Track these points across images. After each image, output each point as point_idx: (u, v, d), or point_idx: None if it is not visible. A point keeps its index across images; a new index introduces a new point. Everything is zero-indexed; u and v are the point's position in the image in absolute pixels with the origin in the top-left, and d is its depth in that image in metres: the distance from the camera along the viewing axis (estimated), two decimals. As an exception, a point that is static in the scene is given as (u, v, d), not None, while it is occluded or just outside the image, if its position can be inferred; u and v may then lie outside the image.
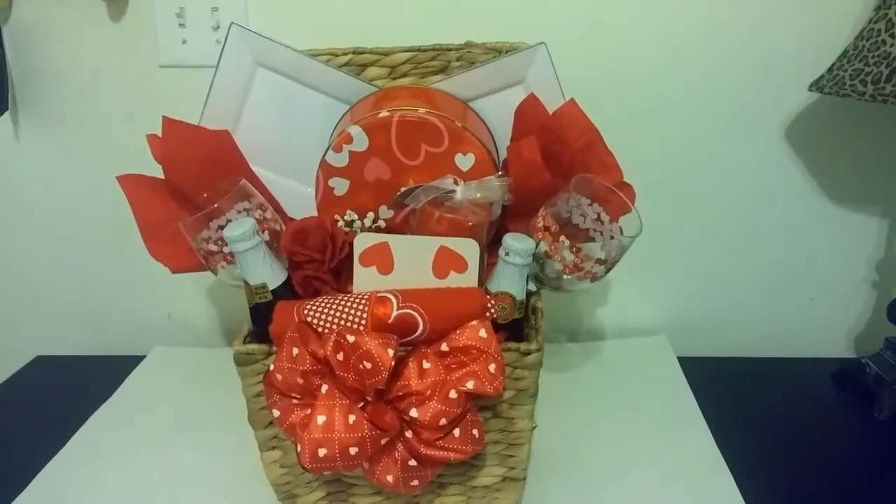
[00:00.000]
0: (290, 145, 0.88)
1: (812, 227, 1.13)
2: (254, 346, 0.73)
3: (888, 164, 1.08)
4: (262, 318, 0.72)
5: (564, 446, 0.94)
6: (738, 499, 0.84)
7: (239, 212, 0.78)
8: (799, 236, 1.14)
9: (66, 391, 1.15)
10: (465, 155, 0.78)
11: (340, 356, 0.63)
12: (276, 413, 0.68)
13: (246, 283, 0.73)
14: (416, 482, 0.68)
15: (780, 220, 1.13)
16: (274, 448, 0.78)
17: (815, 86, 0.94)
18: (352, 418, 0.63)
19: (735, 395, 1.06)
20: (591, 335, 1.23)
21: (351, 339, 0.62)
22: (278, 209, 0.86)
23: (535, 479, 0.86)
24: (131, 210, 0.82)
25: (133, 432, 1.01)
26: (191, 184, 0.82)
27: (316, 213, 0.81)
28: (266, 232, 0.78)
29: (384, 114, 0.77)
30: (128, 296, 1.26)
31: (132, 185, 0.83)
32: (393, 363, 0.62)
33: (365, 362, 0.62)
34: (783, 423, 1.00)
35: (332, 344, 0.63)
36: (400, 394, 0.64)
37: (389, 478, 0.68)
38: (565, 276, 0.76)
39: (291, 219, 0.83)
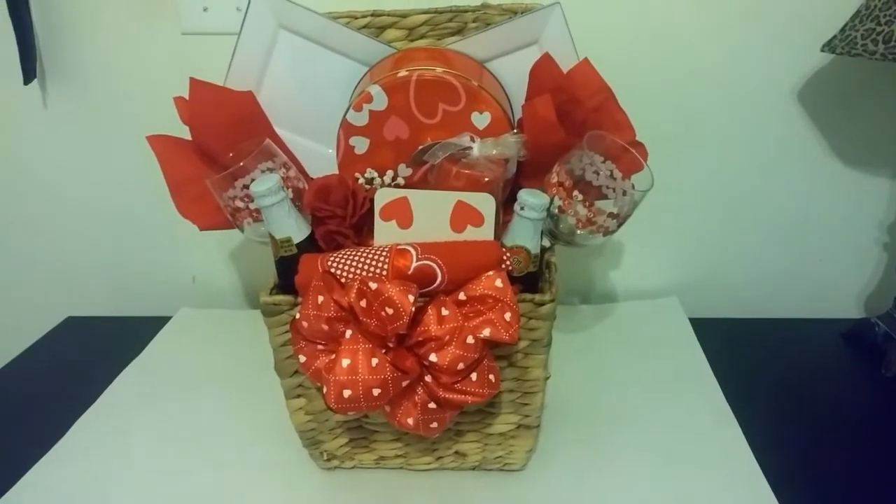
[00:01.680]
0: (312, 106, 0.91)
1: (822, 189, 1.15)
2: (280, 297, 0.76)
3: (897, 125, 1.10)
4: (288, 270, 0.76)
5: (577, 401, 0.97)
6: (747, 452, 0.87)
7: (263, 171, 0.81)
8: (809, 198, 1.16)
9: (96, 350, 1.20)
10: (481, 113, 0.80)
11: (363, 303, 0.66)
12: (303, 359, 0.71)
13: (272, 237, 0.77)
14: (435, 424, 0.71)
15: (791, 181, 1.15)
16: (299, 396, 0.81)
17: (828, 46, 0.95)
18: (374, 361, 0.66)
19: (746, 355, 1.09)
20: (604, 297, 1.26)
21: (373, 286, 0.65)
22: (300, 169, 0.88)
23: (548, 428, 0.89)
24: (161, 169, 0.85)
25: (161, 386, 1.06)
26: (217, 144, 0.85)
27: (337, 172, 0.84)
28: (290, 189, 0.81)
29: (403, 73, 0.79)
30: (154, 260, 1.30)
31: (161, 145, 0.86)
32: (413, 309, 0.65)
33: (387, 308, 0.65)
34: (794, 381, 1.02)
35: (355, 291, 0.66)
36: (420, 339, 0.67)
37: (410, 420, 0.71)
38: (578, 231, 0.79)
39: (313, 179, 0.86)
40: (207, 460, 0.90)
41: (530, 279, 0.77)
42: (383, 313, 0.66)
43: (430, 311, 0.68)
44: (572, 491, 0.83)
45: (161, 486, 0.87)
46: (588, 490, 0.83)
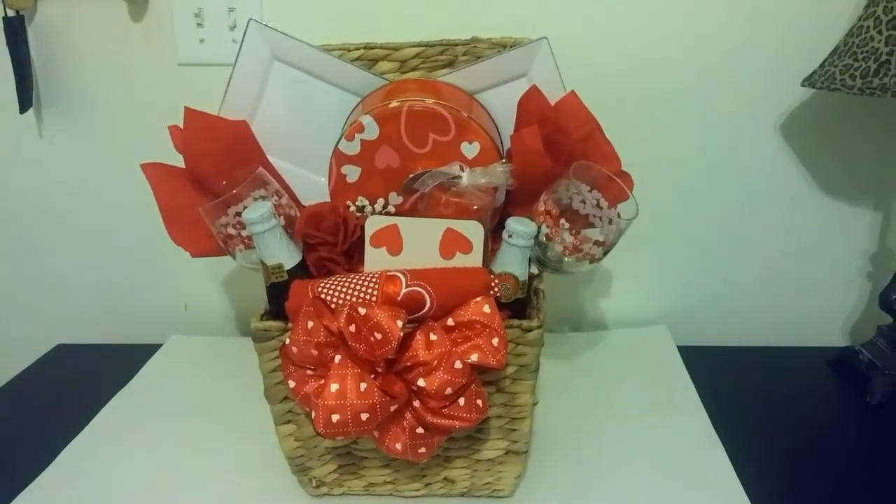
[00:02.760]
0: (304, 136, 0.92)
1: (807, 220, 1.17)
2: (270, 323, 0.77)
3: (878, 157, 1.12)
4: (279, 296, 0.77)
5: (566, 428, 0.98)
6: (734, 481, 0.87)
7: (256, 198, 0.82)
8: (795, 229, 1.18)
9: (86, 377, 1.19)
10: (470, 143, 0.82)
11: (353, 328, 0.67)
12: (292, 384, 0.72)
13: (263, 263, 0.78)
14: (423, 449, 0.72)
15: (777, 212, 1.17)
16: (288, 422, 0.81)
17: (808, 81, 0.98)
18: (363, 386, 0.67)
19: (733, 383, 1.10)
20: (594, 325, 1.27)
21: (362, 311, 0.66)
22: (292, 197, 0.90)
23: (537, 455, 0.90)
24: (154, 196, 0.87)
25: (150, 414, 1.05)
26: (210, 172, 0.86)
27: (329, 200, 0.86)
28: (281, 217, 0.82)
29: (394, 104, 0.81)
30: (146, 286, 1.31)
31: (155, 173, 0.87)
32: (402, 333, 0.66)
33: (376, 333, 0.66)
34: (781, 408, 1.03)
35: (344, 316, 0.67)
36: (408, 364, 0.68)
37: (398, 445, 0.72)
38: (566, 258, 0.80)
39: (305, 206, 0.87)
40: (197, 488, 0.90)
41: (518, 306, 0.78)
42: (372, 338, 0.67)
43: (418, 336, 0.69)
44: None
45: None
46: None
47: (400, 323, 0.66)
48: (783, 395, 1.07)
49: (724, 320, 1.24)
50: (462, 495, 0.86)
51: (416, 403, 0.70)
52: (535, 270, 0.83)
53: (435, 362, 0.68)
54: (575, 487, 0.87)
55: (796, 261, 1.20)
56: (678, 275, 1.24)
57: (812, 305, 1.22)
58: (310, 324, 0.69)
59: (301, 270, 0.78)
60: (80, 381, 1.18)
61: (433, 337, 0.69)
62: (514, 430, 0.81)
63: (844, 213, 1.16)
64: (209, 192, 0.86)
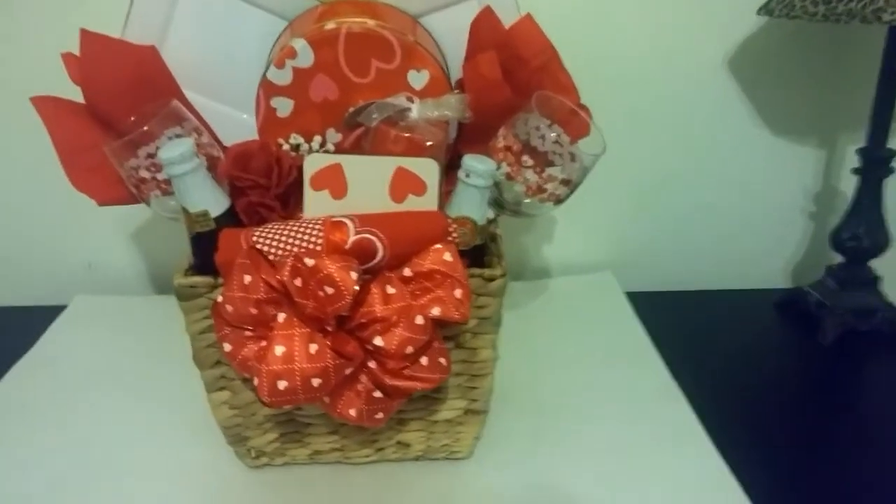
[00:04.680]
0: (223, 65, 0.81)
1: (750, 159, 1.14)
2: (197, 279, 0.67)
3: (824, 93, 1.09)
4: (205, 248, 0.67)
5: (518, 383, 0.92)
6: (695, 425, 0.84)
7: (170, 137, 0.72)
8: (738, 168, 1.15)
9: None
10: (418, 72, 0.73)
11: (298, 282, 0.58)
12: (228, 347, 0.63)
13: (185, 211, 0.67)
14: (380, 415, 0.65)
15: (719, 151, 1.14)
16: (222, 388, 0.72)
17: (765, 9, 0.93)
18: (313, 347, 0.58)
19: (683, 328, 1.07)
20: (537, 273, 1.22)
21: (310, 262, 0.58)
22: (213, 137, 0.79)
23: (491, 413, 0.84)
24: (49, 135, 0.74)
25: (57, 385, 0.94)
26: (115, 107, 0.74)
27: (257, 138, 0.75)
28: (203, 157, 0.72)
29: (331, 26, 0.71)
30: (44, 243, 1.17)
31: (49, 108, 0.75)
32: (357, 287, 0.57)
33: (326, 287, 0.58)
34: (734, 352, 1.02)
35: (288, 269, 0.58)
36: (363, 321, 0.60)
37: (352, 411, 0.64)
38: (526, 200, 0.73)
39: (230, 146, 0.77)
40: (114, 467, 0.80)
41: (476, 253, 0.71)
42: (321, 293, 0.58)
43: (373, 289, 0.61)
44: (521, 477, 0.77)
45: (62, 500, 0.76)
46: (537, 474, 0.78)
47: (354, 275, 0.57)
48: (734, 338, 1.05)
49: (668, 264, 1.21)
50: (417, 459, 0.79)
51: (373, 364, 0.63)
52: (490, 214, 0.76)
53: (394, 318, 0.60)
54: (534, 444, 0.82)
55: (740, 201, 1.17)
56: (620, 219, 1.19)
57: (756, 247, 1.20)
58: (247, 278, 0.60)
59: (230, 218, 0.69)
60: None
61: (391, 290, 0.61)
62: (475, 388, 0.74)
63: (788, 151, 1.14)
64: (114, 130, 0.74)
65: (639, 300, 1.11)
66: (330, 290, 0.57)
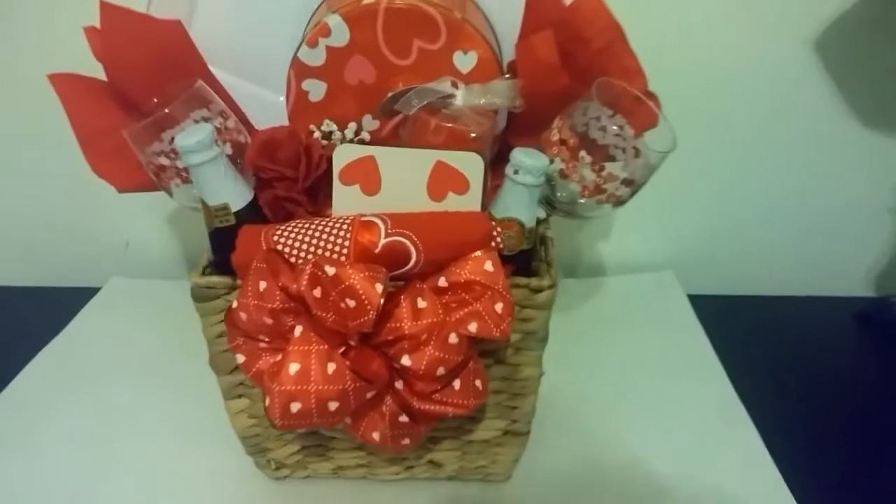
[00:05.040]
0: (256, 42, 0.74)
1: (834, 152, 1.03)
2: (214, 279, 0.61)
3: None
4: (225, 245, 0.60)
5: (565, 393, 0.84)
6: (762, 455, 0.76)
7: (196, 121, 0.66)
8: (819, 162, 1.04)
9: (12, 326, 1.04)
10: (465, 53, 0.65)
11: (318, 292, 0.52)
12: (241, 358, 0.57)
13: (204, 203, 0.61)
14: (407, 440, 0.58)
15: (800, 143, 1.02)
16: (240, 396, 0.67)
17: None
18: (331, 367, 0.52)
19: (751, 336, 0.98)
20: (591, 270, 1.13)
21: (331, 271, 0.51)
22: (243, 120, 0.73)
23: (533, 427, 0.76)
24: (67, 116, 0.69)
25: (83, 373, 0.91)
26: (137, 86, 0.69)
27: (287, 123, 0.69)
28: (228, 144, 0.66)
29: (368, 1, 0.63)
30: (81, 222, 1.14)
31: (68, 86, 0.69)
32: (382, 301, 0.51)
33: (348, 300, 0.51)
34: (804, 366, 0.92)
35: (307, 277, 0.51)
36: (390, 338, 0.53)
37: (376, 435, 0.57)
38: (582, 200, 0.65)
39: (257, 131, 0.70)
40: (134, 465, 0.76)
41: (522, 258, 0.63)
42: (343, 305, 0.51)
43: (402, 302, 0.54)
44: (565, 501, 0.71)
45: (77, 495, 0.73)
46: (583, 498, 0.71)
47: (380, 287, 0.50)
48: (808, 352, 0.95)
49: (736, 265, 1.11)
50: (449, 479, 0.72)
51: (399, 385, 0.56)
52: (541, 214, 0.68)
53: (424, 335, 0.53)
54: (581, 466, 0.75)
55: (820, 198, 1.06)
56: (686, 214, 1.09)
57: (836, 249, 1.09)
58: (262, 285, 0.53)
59: (252, 212, 0.62)
60: (3, 331, 1.03)
61: (422, 304, 0.53)
62: (515, 407, 0.67)
63: (874, 144, 1.01)
64: (137, 111, 0.69)
65: (702, 304, 1.02)
66: (352, 304, 0.51)
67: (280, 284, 0.53)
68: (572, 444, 0.78)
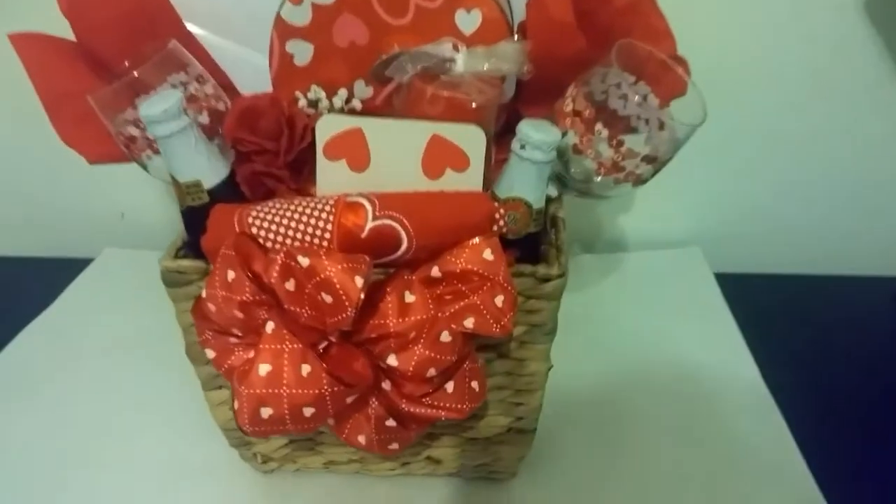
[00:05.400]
0: (241, -2, 0.67)
1: (870, 121, 0.93)
2: (186, 263, 0.55)
3: None
4: (198, 225, 0.55)
5: (578, 380, 0.78)
6: (790, 450, 0.70)
7: (174, 85, 0.60)
8: (855, 132, 0.94)
9: (4, 297, 1.01)
10: (469, 12, 0.58)
11: (290, 285, 0.46)
12: (211, 353, 0.51)
13: (174, 179, 0.55)
14: (395, 445, 0.52)
15: (837, 117, 0.93)
16: (221, 387, 0.62)
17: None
18: (305, 369, 0.46)
19: (781, 318, 0.91)
20: (611, 246, 1.06)
21: (304, 261, 0.45)
22: (226, 85, 0.66)
23: (543, 421, 0.71)
24: (30, 80, 0.63)
25: (70, 349, 0.87)
26: (108, 46, 0.63)
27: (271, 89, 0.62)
28: (205, 112, 0.60)
29: (360, -50, 0.56)
30: (74, 190, 1.08)
31: (31, 47, 0.63)
32: (362, 296, 0.44)
33: (324, 294, 0.45)
34: (840, 352, 0.85)
35: (278, 268, 0.45)
36: (373, 335, 0.47)
37: (361, 438, 0.52)
38: (598, 178, 0.58)
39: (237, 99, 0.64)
40: (115, 453, 0.72)
41: (529, 242, 0.57)
42: (319, 300, 0.45)
43: (388, 296, 0.47)
44: (573, 501, 0.65)
45: (50, 485, 0.69)
46: (593, 499, 0.65)
47: (360, 281, 0.44)
48: (843, 336, 0.88)
49: (767, 242, 1.03)
50: (449, 475, 0.67)
51: (386, 385, 0.50)
52: (553, 192, 0.61)
53: (412, 333, 0.47)
54: (594, 461, 0.69)
55: (857, 173, 0.97)
56: (713, 185, 1.01)
57: (874, 227, 1.00)
58: (230, 274, 0.47)
59: (228, 190, 0.56)
60: None
61: (410, 298, 0.47)
62: (521, 404, 0.61)
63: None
64: (109, 74, 0.63)
65: (730, 283, 0.94)
66: (329, 299, 0.45)
67: (250, 273, 0.46)
68: (585, 436, 0.72)
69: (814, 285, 0.98)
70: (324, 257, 0.45)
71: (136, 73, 0.57)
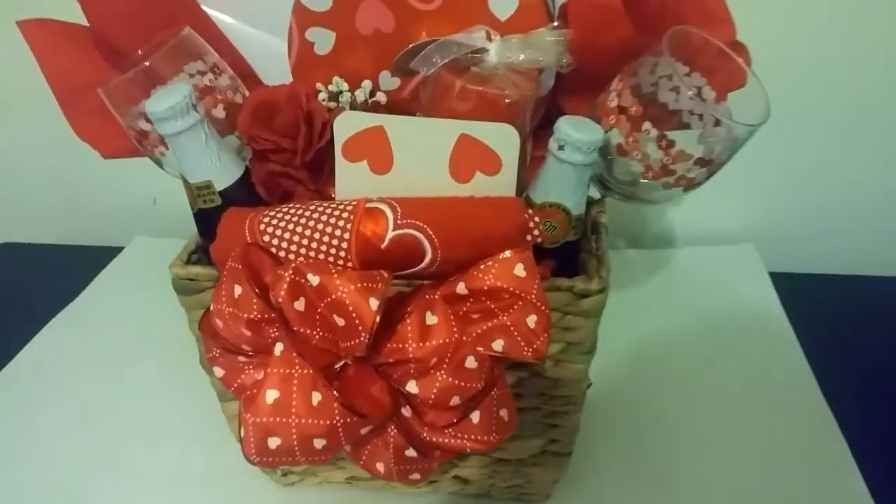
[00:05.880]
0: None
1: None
2: (197, 270, 0.52)
3: None
4: (211, 229, 0.51)
5: (621, 389, 0.74)
6: (845, 452, 0.65)
7: (191, 75, 0.56)
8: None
9: (34, 284, 1.01)
10: (504, -5, 0.53)
11: (300, 304, 0.42)
12: (220, 372, 0.47)
13: (184, 180, 0.52)
14: (416, 475, 0.48)
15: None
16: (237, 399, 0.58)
17: None
18: (316, 397, 0.42)
19: (838, 320, 0.84)
20: (659, 241, 1.00)
21: (314, 280, 0.41)
22: (248, 74, 0.62)
23: (581, 434, 0.66)
24: (42, 71, 0.60)
25: (95, 345, 0.86)
26: (124, 33, 0.59)
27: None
28: (220, 106, 0.56)
29: (384, -71, 0.51)
30: (108, 177, 1.06)
31: (41, 35, 0.60)
32: (377, 320, 0.40)
33: (336, 316, 0.40)
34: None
35: (286, 286, 0.41)
36: (391, 360, 0.43)
37: (380, 466, 0.48)
38: (644, 181, 0.52)
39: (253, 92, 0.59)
40: (131, 462, 0.69)
41: (567, 252, 0.52)
42: (332, 321, 0.41)
43: (408, 316, 0.43)
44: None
45: (78, 463, 0.69)
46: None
47: (375, 303, 0.40)
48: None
49: (827, 241, 0.96)
50: (478, 495, 0.63)
51: (406, 411, 0.46)
52: (594, 194, 0.56)
53: (434, 360, 0.42)
54: (634, 485, 0.64)
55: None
56: (770, 179, 0.94)
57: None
58: (237, 290, 0.43)
59: (243, 191, 0.52)
60: (25, 288, 1.00)
61: (432, 319, 0.43)
62: (556, 425, 0.56)
63: None
64: (125, 63, 0.59)
65: (785, 283, 0.88)
66: (341, 322, 0.40)
67: (257, 291, 0.42)
68: (625, 455, 0.67)
69: (874, 287, 0.91)
70: (335, 275, 0.40)
71: (147, 63, 0.54)
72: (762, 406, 0.71)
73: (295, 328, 0.42)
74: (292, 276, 0.41)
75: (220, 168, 0.51)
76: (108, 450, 0.71)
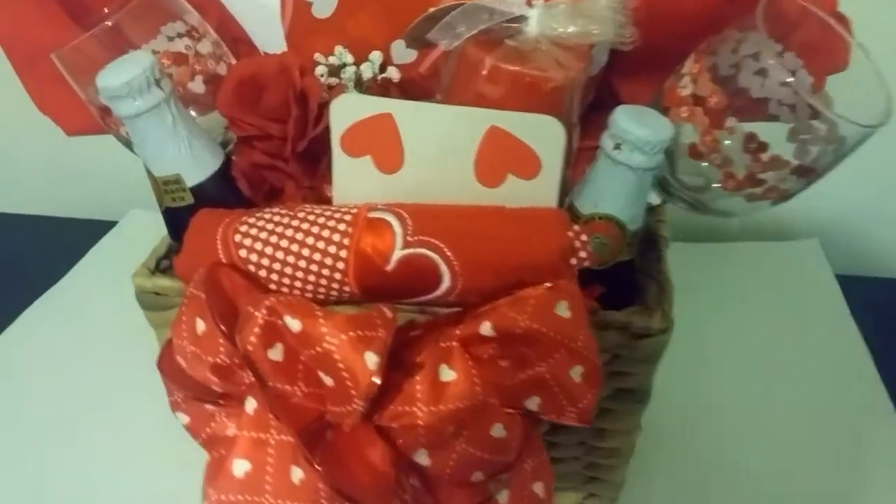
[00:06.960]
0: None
1: None
2: (165, 283, 0.42)
3: None
4: (183, 232, 0.41)
5: (671, 400, 0.63)
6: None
7: (170, 38, 0.47)
8: None
9: (21, 259, 0.95)
10: (549, -52, 0.42)
11: (276, 353, 0.32)
12: (185, 419, 0.38)
13: (148, 172, 0.42)
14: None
15: None
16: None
17: None
18: (296, 474, 0.32)
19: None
20: (715, 233, 0.89)
21: (294, 325, 0.31)
22: (239, 39, 0.52)
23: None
24: (-10, 31, 0.50)
25: (83, 327, 0.79)
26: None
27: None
28: (200, 78, 0.46)
29: None
30: (101, 146, 0.98)
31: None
32: (377, 380, 0.30)
33: (323, 375, 0.31)
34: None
35: (258, 329, 0.31)
36: (395, 426, 0.33)
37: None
38: (715, 185, 0.42)
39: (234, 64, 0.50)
40: (131, 445, 0.64)
41: (620, 274, 0.42)
42: (319, 379, 0.31)
43: (418, 371, 0.33)
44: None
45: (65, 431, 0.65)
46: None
47: (372, 360, 0.30)
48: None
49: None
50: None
51: (415, 482, 0.36)
52: (654, 200, 0.45)
53: (451, 428, 0.32)
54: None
55: None
56: (844, 168, 0.82)
57: None
58: (200, 325, 0.34)
59: (220, 188, 0.43)
60: (12, 263, 0.94)
61: (449, 375, 0.33)
62: (597, 479, 0.47)
63: None
64: (91, 22, 0.49)
65: (854, 287, 0.78)
66: (328, 381, 0.31)
67: (223, 329, 0.33)
68: (677, 471, 0.57)
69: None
70: (321, 319, 0.31)
71: (109, 23, 0.44)
72: (827, 413, 0.63)
73: (270, 384, 0.32)
74: (266, 317, 0.31)
75: (191, 159, 0.41)
76: (105, 434, 0.65)
